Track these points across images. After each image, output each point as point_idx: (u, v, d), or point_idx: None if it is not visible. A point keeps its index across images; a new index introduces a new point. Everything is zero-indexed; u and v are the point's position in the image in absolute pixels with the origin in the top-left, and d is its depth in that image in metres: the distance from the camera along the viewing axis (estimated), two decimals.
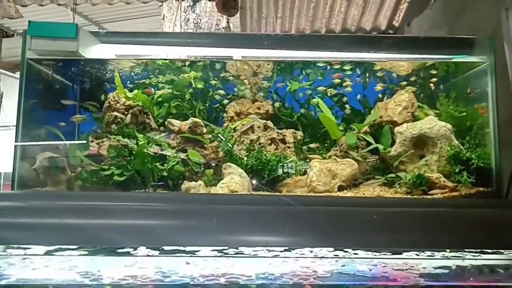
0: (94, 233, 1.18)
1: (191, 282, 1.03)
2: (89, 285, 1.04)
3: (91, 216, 1.21)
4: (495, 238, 1.15)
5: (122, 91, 2.27)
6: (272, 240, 1.14)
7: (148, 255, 1.25)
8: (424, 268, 1.15)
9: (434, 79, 2.34)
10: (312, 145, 2.31)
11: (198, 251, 1.32)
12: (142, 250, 1.27)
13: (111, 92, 2.33)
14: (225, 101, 2.47)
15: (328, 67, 2.41)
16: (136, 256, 1.25)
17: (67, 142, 2.22)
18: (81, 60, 2.20)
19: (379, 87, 2.37)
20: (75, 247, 1.26)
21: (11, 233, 1.20)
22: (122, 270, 1.14)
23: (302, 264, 1.14)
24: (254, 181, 2.16)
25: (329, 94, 2.38)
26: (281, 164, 2.18)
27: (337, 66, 2.32)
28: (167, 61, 2.33)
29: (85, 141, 2.17)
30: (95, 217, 1.22)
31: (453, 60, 2.23)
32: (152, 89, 2.38)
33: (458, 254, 1.34)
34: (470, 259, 1.31)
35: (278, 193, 2.09)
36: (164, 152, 2.12)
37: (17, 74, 2.39)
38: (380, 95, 2.40)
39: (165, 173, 2.11)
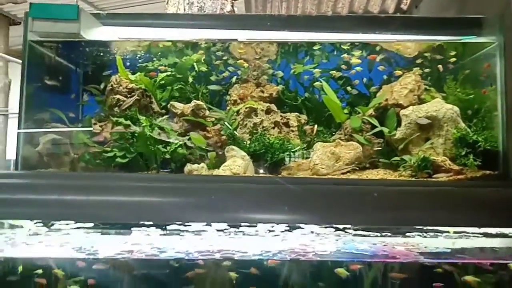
0: (93, 209, 1.18)
1: (186, 257, 1.03)
2: (86, 259, 1.05)
3: (90, 192, 1.21)
4: (499, 216, 1.13)
5: (124, 73, 2.26)
6: (271, 217, 1.13)
7: (146, 231, 1.25)
8: (425, 247, 1.13)
9: (442, 61, 2.28)
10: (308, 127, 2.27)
11: (200, 230, 1.32)
12: (140, 227, 1.28)
13: (114, 75, 2.32)
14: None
15: (333, 49, 2.37)
16: (136, 231, 1.25)
17: (71, 130, 2.22)
18: (83, 42, 2.19)
19: (382, 67, 2.33)
20: (74, 223, 1.27)
21: (12, 208, 1.21)
22: (119, 246, 1.14)
23: (301, 242, 1.14)
24: (257, 165, 2.15)
25: (334, 76, 2.34)
26: (285, 147, 2.16)
27: (343, 48, 2.28)
28: (170, 43, 2.30)
29: (89, 127, 2.17)
30: (94, 194, 1.22)
31: (462, 41, 2.17)
32: (155, 73, 2.36)
33: (461, 235, 1.31)
34: (472, 238, 1.29)
35: (278, 176, 2.07)
36: (171, 140, 2.10)
37: None
38: (385, 77, 2.35)
39: (167, 156, 2.11)
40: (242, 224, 1.29)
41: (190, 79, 2.41)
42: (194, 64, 2.40)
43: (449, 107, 2.08)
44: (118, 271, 1.12)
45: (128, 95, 2.30)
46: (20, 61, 2.17)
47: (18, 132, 1.97)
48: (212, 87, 2.44)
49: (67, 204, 1.18)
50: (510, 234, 1.22)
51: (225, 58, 2.43)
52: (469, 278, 1.08)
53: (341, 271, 1.05)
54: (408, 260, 1.03)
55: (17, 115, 2.06)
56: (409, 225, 1.17)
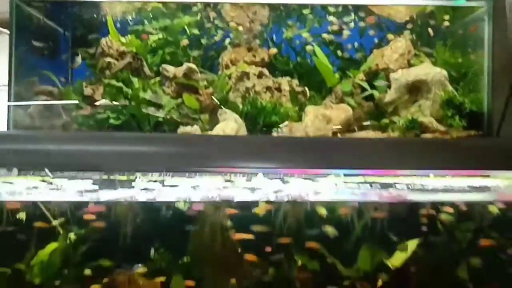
0: (94, 159, 1.21)
1: (187, 200, 1.07)
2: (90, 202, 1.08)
3: (90, 143, 1.24)
4: (479, 160, 1.20)
5: (115, 35, 2.24)
6: (267, 165, 1.17)
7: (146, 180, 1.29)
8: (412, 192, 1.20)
9: (432, 26, 2.32)
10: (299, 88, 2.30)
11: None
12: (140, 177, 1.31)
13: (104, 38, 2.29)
14: None
15: (325, 13, 2.38)
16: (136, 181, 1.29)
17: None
18: (71, 2, 2.15)
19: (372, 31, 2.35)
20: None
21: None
22: (120, 192, 1.18)
23: (298, 187, 1.19)
24: (249, 128, 2.18)
25: (326, 40, 2.35)
26: (277, 110, 2.19)
27: (333, 10, 2.29)
28: (161, 5, 2.27)
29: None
30: (93, 144, 1.24)
31: (453, 5, 2.20)
32: (146, 36, 2.34)
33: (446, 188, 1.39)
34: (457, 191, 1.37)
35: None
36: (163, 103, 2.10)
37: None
38: (376, 41, 2.38)
39: (160, 119, 2.12)
40: (239, 173, 1.34)
41: (182, 43, 2.39)
42: (186, 27, 2.38)
43: (438, 70, 2.12)
44: (122, 215, 1.17)
45: (119, 58, 2.29)
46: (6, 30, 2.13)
47: (8, 91, 1.95)
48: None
49: (66, 154, 1.20)
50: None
51: (216, 21, 2.41)
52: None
53: (321, 210, 1.11)
54: (396, 200, 1.10)
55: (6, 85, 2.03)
56: (395, 168, 1.23)
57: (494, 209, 1.48)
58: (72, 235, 1.46)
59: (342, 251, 1.45)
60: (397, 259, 1.41)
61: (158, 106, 2.12)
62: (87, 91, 2.18)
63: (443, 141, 1.38)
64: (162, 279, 1.50)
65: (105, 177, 1.35)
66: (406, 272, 1.38)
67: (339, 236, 1.36)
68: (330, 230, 1.40)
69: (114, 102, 2.06)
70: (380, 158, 1.19)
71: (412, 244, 1.41)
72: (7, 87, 2.04)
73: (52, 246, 1.52)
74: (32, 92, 2.13)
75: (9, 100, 2.03)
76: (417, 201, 1.15)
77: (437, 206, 1.42)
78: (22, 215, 1.45)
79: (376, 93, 2.21)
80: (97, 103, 2.08)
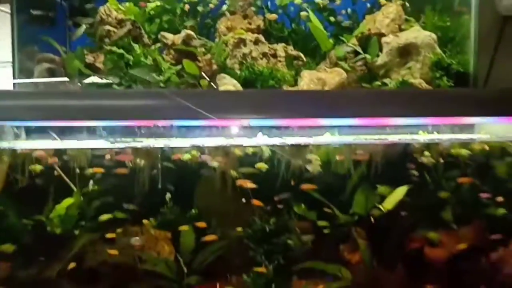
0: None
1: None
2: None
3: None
4: (465, 108, 1.31)
5: (113, 2, 2.27)
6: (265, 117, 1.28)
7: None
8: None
9: None
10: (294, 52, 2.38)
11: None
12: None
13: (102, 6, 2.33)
14: None
15: None
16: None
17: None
18: None
19: None
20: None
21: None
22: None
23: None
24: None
25: (320, 5, 2.42)
26: (274, 75, 2.27)
27: None
28: None
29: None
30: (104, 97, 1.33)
31: None
32: (145, 3, 2.38)
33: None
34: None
35: None
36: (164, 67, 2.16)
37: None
38: (368, 5, 2.46)
39: (161, 84, 2.19)
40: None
41: (179, 11, 2.43)
42: None
43: (427, 33, 2.22)
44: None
45: (118, 26, 2.33)
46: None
47: (13, 61, 2.00)
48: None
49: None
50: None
51: None
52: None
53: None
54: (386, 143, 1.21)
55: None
56: (385, 116, 1.34)
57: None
58: (86, 190, 1.56)
59: (338, 196, 1.58)
60: (389, 203, 1.54)
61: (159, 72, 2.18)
62: (88, 59, 2.23)
63: (430, 91, 1.49)
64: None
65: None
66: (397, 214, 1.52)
67: (335, 180, 1.48)
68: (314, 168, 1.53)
69: (105, 79, 2.12)
70: (371, 107, 1.30)
71: (402, 189, 1.54)
72: (8, 64, 2.10)
73: (68, 201, 1.62)
74: (35, 61, 2.18)
75: (14, 76, 2.08)
76: (407, 144, 1.27)
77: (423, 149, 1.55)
78: (38, 168, 1.55)
79: (368, 57, 2.30)
80: (85, 81, 2.13)
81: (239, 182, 1.63)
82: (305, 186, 1.61)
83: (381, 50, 2.30)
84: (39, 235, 1.60)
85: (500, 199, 1.90)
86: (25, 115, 1.31)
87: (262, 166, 1.77)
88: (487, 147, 1.72)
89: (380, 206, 1.59)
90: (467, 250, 1.67)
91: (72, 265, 1.68)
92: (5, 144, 1.53)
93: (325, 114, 1.29)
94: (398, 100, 1.33)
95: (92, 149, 1.58)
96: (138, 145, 1.45)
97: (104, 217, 1.64)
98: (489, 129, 1.90)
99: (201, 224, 1.68)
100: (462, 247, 1.71)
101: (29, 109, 1.30)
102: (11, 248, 1.64)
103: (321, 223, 1.67)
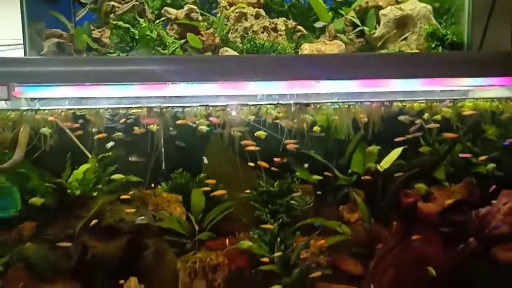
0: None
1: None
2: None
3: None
4: (459, 70, 1.40)
5: None
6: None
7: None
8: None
9: None
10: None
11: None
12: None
13: None
14: None
15: None
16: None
17: None
18: None
19: None
20: None
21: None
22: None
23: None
24: None
25: None
26: (275, 48, 2.35)
27: None
28: None
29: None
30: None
31: None
32: None
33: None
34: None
35: None
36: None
37: None
38: None
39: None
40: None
41: None
42: None
43: (423, 5, 2.29)
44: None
45: (123, 1, 2.38)
46: None
47: (23, 35, 2.06)
48: None
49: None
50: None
51: None
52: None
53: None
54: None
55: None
56: (385, 77, 1.43)
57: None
58: (101, 156, 1.66)
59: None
60: (386, 162, 1.64)
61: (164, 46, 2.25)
62: (95, 33, 2.29)
63: (426, 54, 1.57)
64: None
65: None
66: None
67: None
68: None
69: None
70: (370, 69, 1.39)
71: (398, 149, 1.63)
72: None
73: (85, 166, 1.72)
74: (43, 38, 2.24)
75: (25, 53, 2.14)
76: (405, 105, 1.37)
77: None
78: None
79: (366, 29, 2.37)
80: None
81: (244, 142, 1.74)
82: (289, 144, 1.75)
83: (378, 22, 2.37)
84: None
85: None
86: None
87: (261, 134, 1.88)
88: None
89: (378, 166, 1.70)
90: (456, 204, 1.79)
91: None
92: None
93: (325, 76, 1.37)
94: (395, 63, 1.41)
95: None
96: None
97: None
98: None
99: (211, 181, 1.80)
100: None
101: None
102: (40, 201, 1.77)
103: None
